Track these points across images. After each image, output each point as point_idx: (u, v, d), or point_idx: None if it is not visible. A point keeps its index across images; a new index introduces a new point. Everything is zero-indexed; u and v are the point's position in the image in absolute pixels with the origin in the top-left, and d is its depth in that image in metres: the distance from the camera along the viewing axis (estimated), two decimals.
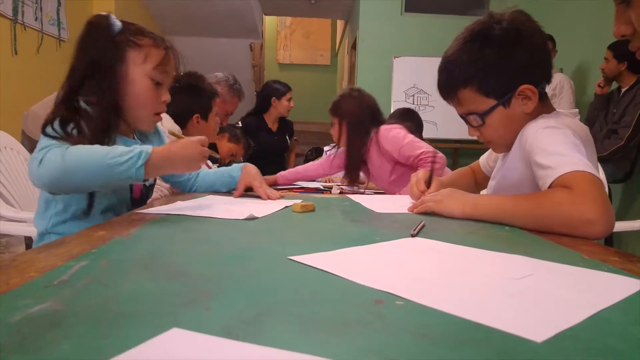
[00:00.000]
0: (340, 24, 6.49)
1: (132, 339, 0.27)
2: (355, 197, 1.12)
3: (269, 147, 2.46)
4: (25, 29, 2.58)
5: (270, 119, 2.57)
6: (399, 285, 0.40)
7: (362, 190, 1.67)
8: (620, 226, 1.84)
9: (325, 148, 2.71)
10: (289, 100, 2.55)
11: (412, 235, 0.62)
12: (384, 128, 1.63)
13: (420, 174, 0.97)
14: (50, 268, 0.41)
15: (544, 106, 0.83)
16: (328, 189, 1.71)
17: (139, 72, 0.83)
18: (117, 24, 0.82)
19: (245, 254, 0.50)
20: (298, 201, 0.89)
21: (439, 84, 0.87)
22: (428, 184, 0.94)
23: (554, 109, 0.84)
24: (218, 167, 1.66)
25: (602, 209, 0.62)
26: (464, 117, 0.86)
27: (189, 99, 1.53)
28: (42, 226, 0.85)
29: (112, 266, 0.42)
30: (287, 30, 7.69)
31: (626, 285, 0.41)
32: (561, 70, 3.07)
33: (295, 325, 0.30)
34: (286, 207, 0.89)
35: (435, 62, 0.88)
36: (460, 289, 0.40)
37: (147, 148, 0.73)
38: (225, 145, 2.24)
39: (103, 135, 0.78)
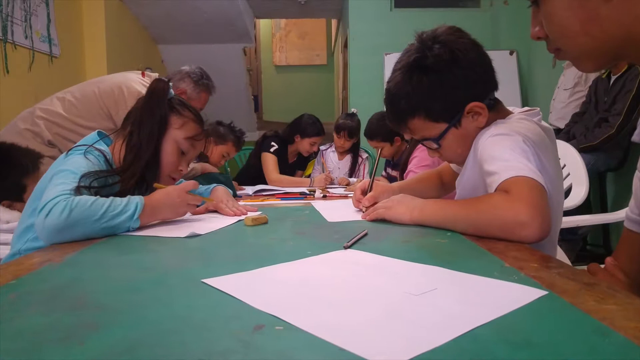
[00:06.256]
0: (334, 23, 6.48)
1: None
2: (318, 204, 1.13)
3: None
4: (15, 48, 2.63)
5: (291, 150, 2.48)
6: (291, 307, 0.40)
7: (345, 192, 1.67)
8: (611, 217, 1.82)
9: (322, 147, 2.70)
10: (313, 144, 2.41)
11: (345, 247, 0.63)
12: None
13: (362, 182, 0.99)
14: None
15: (498, 112, 0.82)
16: (312, 193, 1.72)
17: (172, 135, 0.95)
18: (171, 91, 0.99)
19: (160, 278, 0.51)
20: (255, 214, 0.90)
21: (388, 116, 0.87)
22: (371, 188, 0.95)
23: (509, 112, 0.84)
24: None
25: (536, 212, 0.61)
26: (421, 142, 0.86)
27: None
28: (17, 247, 0.88)
29: (19, 300, 0.44)
30: (282, 32, 7.68)
31: (519, 297, 0.41)
32: None
33: (159, 357, 0.31)
34: (239, 220, 0.90)
35: None
36: (350, 309, 0.40)
37: (140, 199, 0.79)
38: (215, 150, 2.12)
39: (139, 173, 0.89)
